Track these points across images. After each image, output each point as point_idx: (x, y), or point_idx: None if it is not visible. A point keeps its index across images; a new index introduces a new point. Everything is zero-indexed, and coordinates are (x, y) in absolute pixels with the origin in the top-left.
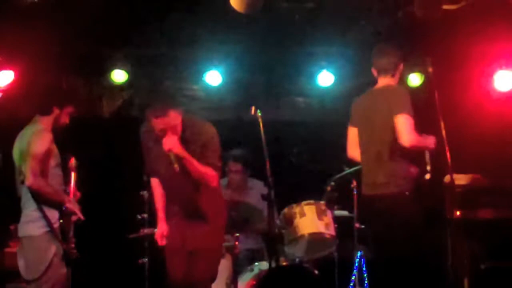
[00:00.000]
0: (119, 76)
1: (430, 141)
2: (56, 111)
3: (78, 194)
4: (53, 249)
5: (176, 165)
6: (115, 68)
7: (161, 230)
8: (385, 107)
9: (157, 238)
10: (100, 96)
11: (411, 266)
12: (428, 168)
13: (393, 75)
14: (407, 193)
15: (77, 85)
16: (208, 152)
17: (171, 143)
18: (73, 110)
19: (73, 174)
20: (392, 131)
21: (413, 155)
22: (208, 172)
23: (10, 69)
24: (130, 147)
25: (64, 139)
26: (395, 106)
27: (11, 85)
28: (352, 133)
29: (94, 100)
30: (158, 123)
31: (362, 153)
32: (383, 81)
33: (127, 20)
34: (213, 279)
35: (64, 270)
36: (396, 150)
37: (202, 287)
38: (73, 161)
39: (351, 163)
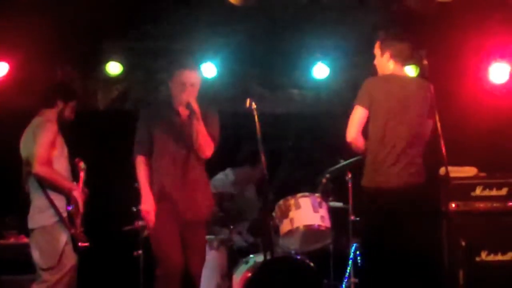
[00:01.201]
0: (114, 68)
1: None
2: (60, 104)
3: (86, 190)
4: (64, 237)
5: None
6: (110, 60)
7: (150, 205)
8: (425, 101)
9: (146, 215)
10: (95, 88)
11: (415, 259)
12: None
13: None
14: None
15: (72, 76)
16: (210, 125)
17: (191, 96)
18: (75, 105)
19: (82, 174)
20: (425, 124)
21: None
22: (209, 142)
23: (4, 61)
24: (125, 139)
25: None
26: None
27: (5, 77)
28: (362, 115)
29: (89, 93)
30: (189, 75)
31: (386, 140)
32: (401, 69)
33: (122, 12)
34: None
35: (75, 257)
36: (424, 143)
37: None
38: (81, 164)
39: (346, 153)
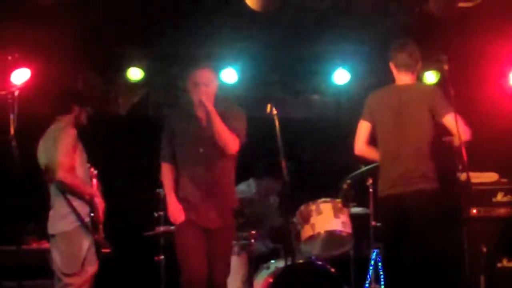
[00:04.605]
0: (135, 74)
1: None
2: (76, 109)
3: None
4: (86, 243)
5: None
6: (131, 66)
7: (176, 213)
8: (423, 105)
9: (174, 222)
10: (116, 94)
11: (433, 265)
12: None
13: (413, 72)
14: (437, 190)
15: (93, 83)
16: (236, 123)
17: (203, 93)
18: (90, 111)
19: (94, 181)
20: (430, 128)
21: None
22: (231, 136)
23: (26, 67)
24: (146, 145)
25: (80, 137)
26: (442, 106)
27: (28, 83)
28: (365, 128)
29: (110, 98)
30: (201, 75)
31: (388, 149)
32: (406, 78)
33: (144, 18)
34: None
35: (97, 263)
36: (431, 147)
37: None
38: (92, 170)
39: (364, 160)
